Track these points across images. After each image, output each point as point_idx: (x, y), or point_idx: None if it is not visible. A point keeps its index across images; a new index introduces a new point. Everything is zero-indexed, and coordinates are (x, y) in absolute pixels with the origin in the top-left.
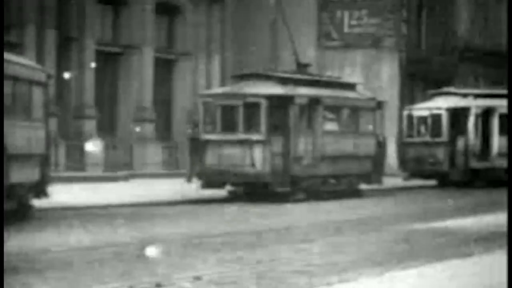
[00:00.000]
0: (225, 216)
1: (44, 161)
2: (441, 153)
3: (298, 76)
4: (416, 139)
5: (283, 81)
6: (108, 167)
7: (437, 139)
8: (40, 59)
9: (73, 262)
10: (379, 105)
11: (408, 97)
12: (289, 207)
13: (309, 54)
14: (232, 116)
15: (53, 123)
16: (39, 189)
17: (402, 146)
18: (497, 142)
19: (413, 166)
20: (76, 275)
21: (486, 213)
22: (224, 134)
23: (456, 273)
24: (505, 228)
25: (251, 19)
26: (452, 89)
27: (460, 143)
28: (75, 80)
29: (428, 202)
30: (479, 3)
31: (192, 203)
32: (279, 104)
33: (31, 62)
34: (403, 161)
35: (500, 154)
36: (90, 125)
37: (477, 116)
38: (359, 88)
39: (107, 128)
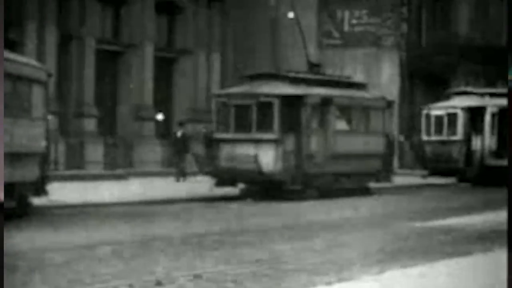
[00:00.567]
0: (228, 214)
1: (44, 159)
2: (456, 151)
3: (310, 76)
4: (433, 138)
5: (296, 81)
6: (108, 165)
7: (452, 138)
8: (40, 57)
9: (72, 261)
10: (389, 104)
11: (408, 95)
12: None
13: (309, 53)
14: (245, 115)
15: (53, 121)
16: (39, 187)
17: (421, 144)
18: None
19: (431, 164)
20: (75, 273)
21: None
22: (237, 133)
23: (456, 272)
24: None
25: (252, 17)
26: (469, 88)
27: (476, 141)
28: (75, 78)
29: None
30: (479, 1)
31: (196, 201)
32: (292, 103)
33: (32, 61)
34: (422, 159)
35: None
36: (90, 123)
37: (493, 115)
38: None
39: (107, 126)
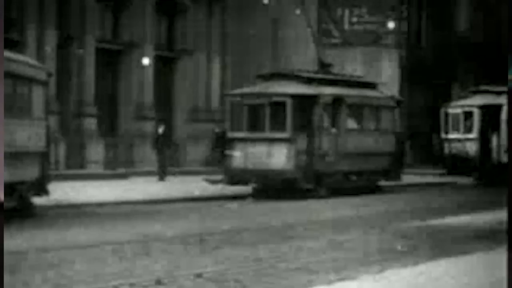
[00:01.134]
0: (233, 213)
1: (44, 158)
2: (472, 149)
3: (322, 75)
4: (451, 136)
5: (308, 80)
6: (108, 164)
7: (469, 136)
8: (40, 57)
9: (73, 260)
10: (398, 103)
11: (408, 94)
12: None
13: (309, 52)
14: (258, 114)
15: (53, 121)
16: (39, 187)
17: (440, 143)
18: None
19: (449, 162)
20: (76, 273)
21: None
22: (250, 132)
23: (456, 270)
24: None
25: (252, 17)
26: (488, 87)
27: (493, 139)
28: (76, 78)
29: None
30: (479, 0)
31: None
32: (304, 103)
33: (32, 60)
34: (440, 158)
35: None
36: (90, 123)
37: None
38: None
39: (107, 126)
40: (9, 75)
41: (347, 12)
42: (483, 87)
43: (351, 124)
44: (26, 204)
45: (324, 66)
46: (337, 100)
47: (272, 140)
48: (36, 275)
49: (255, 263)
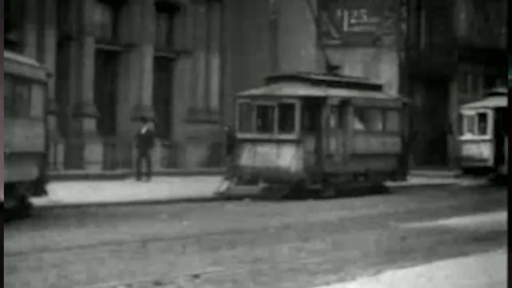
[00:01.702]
0: (232, 215)
1: (43, 159)
2: (486, 151)
3: (330, 77)
4: (465, 137)
5: (316, 82)
6: (107, 165)
7: (483, 137)
8: (39, 57)
9: (72, 261)
10: (404, 105)
11: (407, 96)
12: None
13: (308, 52)
14: (267, 116)
15: (52, 121)
16: (38, 187)
17: (455, 144)
18: None
19: (464, 163)
20: (75, 273)
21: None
22: (259, 134)
23: (454, 272)
24: None
25: (251, 18)
26: (502, 89)
27: (507, 141)
28: (75, 78)
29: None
30: (479, 2)
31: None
32: (312, 104)
33: (31, 61)
34: (456, 159)
35: None
36: (89, 123)
37: None
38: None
39: (106, 126)
40: (8, 75)
41: (346, 13)
42: (497, 89)
43: (358, 125)
44: (24, 204)
45: (331, 68)
46: (345, 102)
47: (280, 141)
48: (35, 275)
49: (254, 264)
